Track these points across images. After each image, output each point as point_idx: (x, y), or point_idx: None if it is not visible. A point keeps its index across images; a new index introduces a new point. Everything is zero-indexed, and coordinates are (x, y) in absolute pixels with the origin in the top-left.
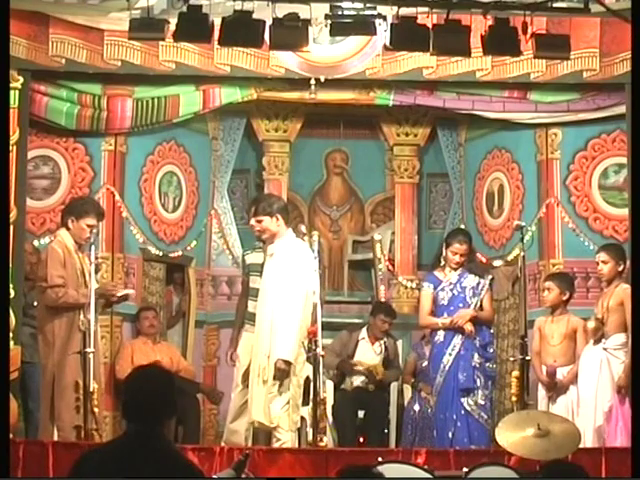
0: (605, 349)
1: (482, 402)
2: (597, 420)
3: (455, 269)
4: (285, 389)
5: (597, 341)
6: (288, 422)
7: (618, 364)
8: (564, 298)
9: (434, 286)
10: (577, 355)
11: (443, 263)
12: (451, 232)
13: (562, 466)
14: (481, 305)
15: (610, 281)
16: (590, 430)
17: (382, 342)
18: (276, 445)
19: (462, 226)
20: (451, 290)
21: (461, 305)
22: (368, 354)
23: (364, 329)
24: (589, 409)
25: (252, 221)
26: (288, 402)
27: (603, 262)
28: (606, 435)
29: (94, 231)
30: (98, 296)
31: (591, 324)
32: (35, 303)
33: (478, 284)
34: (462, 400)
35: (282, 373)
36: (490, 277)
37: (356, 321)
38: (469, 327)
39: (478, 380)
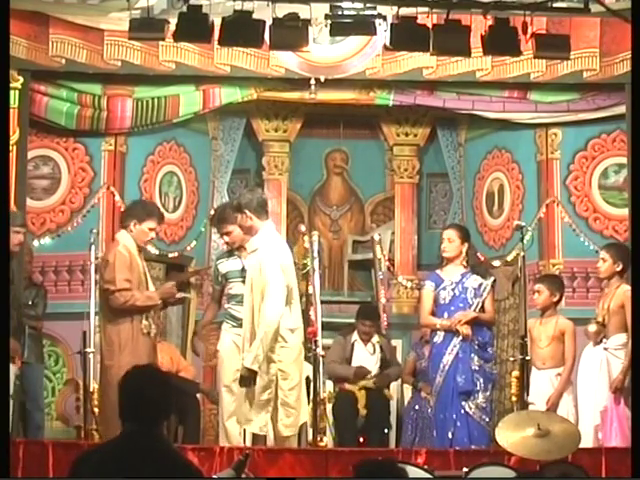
0: (606, 349)
1: (483, 405)
2: (595, 420)
3: (447, 260)
4: (272, 396)
5: (598, 343)
6: (280, 428)
7: (618, 364)
8: (554, 300)
9: (436, 285)
10: (566, 358)
11: (445, 262)
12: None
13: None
14: (482, 306)
15: (607, 279)
16: (590, 430)
17: (375, 342)
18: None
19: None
20: (452, 290)
21: (462, 305)
22: (363, 355)
23: (355, 332)
24: (589, 409)
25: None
26: (276, 409)
27: (602, 259)
28: (601, 436)
29: (94, 231)
30: (161, 299)
31: (592, 327)
32: (31, 302)
33: (480, 285)
34: (463, 403)
35: (245, 381)
36: (492, 279)
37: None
38: (465, 330)
39: (478, 383)
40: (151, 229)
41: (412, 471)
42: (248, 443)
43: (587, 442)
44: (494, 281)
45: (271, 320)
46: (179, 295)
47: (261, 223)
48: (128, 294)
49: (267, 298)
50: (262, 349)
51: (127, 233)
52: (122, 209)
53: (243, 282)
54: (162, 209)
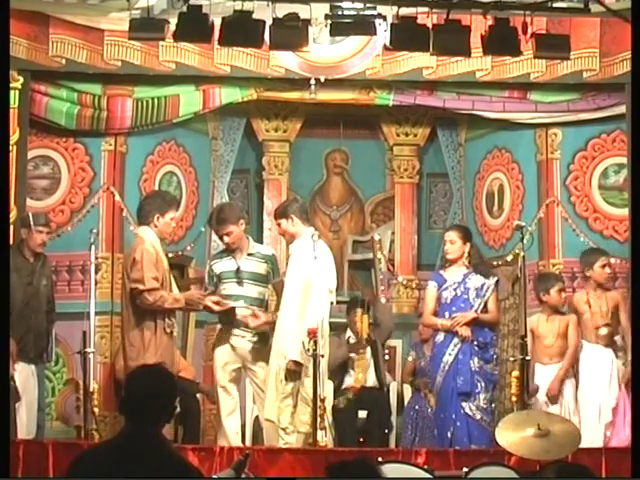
0: (613, 349)
1: (484, 406)
2: (606, 417)
3: (451, 262)
4: (294, 390)
5: (608, 345)
6: (296, 422)
7: (621, 363)
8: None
9: (439, 285)
10: (568, 345)
11: (448, 263)
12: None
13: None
14: (485, 306)
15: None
16: (595, 428)
17: None
18: (281, 445)
19: None
20: (455, 290)
21: (463, 305)
22: None
23: (348, 329)
24: (595, 407)
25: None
26: (296, 404)
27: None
28: (612, 428)
29: (94, 231)
30: (186, 303)
31: (603, 331)
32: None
33: (483, 285)
34: (463, 404)
35: (292, 374)
36: (495, 279)
37: None
38: (465, 332)
39: (478, 384)
40: (172, 219)
41: (412, 471)
42: (248, 442)
43: (596, 440)
44: (497, 281)
45: (315, 318)
46: (210, 301)
47: (304, 229)
48: (157, 294)
49: (312, 298)
50: (305, 343)
51: (151, 229)
52: (124, 207)
53: (237, 283)
54: None
